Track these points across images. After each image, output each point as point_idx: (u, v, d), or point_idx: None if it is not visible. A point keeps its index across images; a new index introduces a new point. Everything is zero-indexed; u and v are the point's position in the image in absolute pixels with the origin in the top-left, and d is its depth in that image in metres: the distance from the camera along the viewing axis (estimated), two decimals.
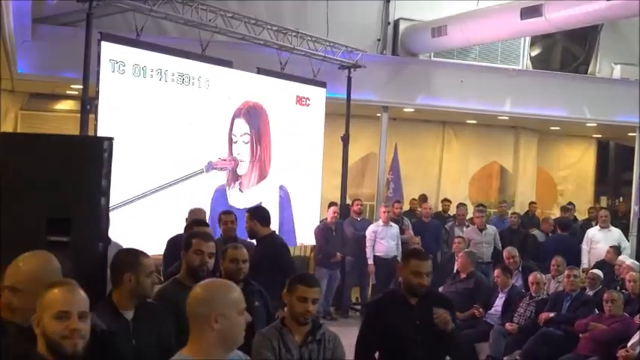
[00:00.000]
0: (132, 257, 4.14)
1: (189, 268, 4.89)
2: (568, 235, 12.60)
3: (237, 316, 2.97)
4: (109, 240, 4.81)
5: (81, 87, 9.08)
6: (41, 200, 4.00)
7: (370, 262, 11.96)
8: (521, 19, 11.84)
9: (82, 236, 4.11)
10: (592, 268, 10.36)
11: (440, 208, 15.06)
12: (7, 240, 3.88)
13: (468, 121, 17.30)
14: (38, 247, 3.63)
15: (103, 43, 8.92)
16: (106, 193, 4.22)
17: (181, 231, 7.01)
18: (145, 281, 4.07)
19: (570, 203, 14.98)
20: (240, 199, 11.00)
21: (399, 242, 12.17)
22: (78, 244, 4.06)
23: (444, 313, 4.80)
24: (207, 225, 6.62)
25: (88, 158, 4.15)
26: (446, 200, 15.12)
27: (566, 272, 9.05)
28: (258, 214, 7.38)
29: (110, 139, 4.07)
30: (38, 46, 11.56)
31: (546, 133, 18.63)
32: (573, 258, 10.99)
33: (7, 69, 11.02)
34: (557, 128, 18.13)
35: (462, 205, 13.63)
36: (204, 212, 7.59)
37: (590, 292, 9.19)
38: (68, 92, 13.73)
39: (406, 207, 14.64)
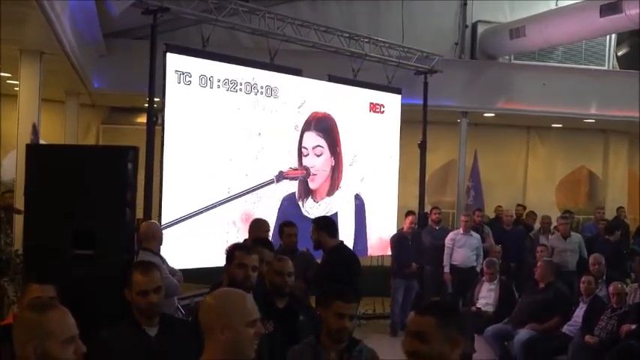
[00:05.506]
0: (130, 272, 3.89)
1: (231, 281, 4.70)
2: None
3: (244, 328, 2.82)
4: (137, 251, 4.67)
5: (157, 99, 9.08)
6: (66, 214, 3.90)
7: (446, 270, 11.63)
8: (601, 16, 11.44)
9: (107, 249, 3.98)
10: None
11: (525, 216, 14.51)
12: (33, 254, 3.80)
13: (554, 125, 16.78)
14: (64, 261, 3.54)
15: (169, 55, 8.91)
16: (132, 205, 4.07)
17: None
18: (137, 299, 3.82)
19: None
20: (315, 209, 10.83)
21: (481, 252, 11.77)
22: (103, 257, 3.93)
23: None
24: (271, 245, 6.28)
25: (112, 169, 4.00)
26: (519, 206, 14.57)
27: None
28: (327, 225, 7.17)
29: (134, 149, 3.94)
30: (112, 61, 11.74)
31: (637, 135, 17.87)
32: None
33: (80, 84, 11.19)
34: None
35: (545, 216, 13.12)
36: (267, 223, 7.41)
37: None
38: (146, 105, 13.87)
39: (491, 214, 14.19)
